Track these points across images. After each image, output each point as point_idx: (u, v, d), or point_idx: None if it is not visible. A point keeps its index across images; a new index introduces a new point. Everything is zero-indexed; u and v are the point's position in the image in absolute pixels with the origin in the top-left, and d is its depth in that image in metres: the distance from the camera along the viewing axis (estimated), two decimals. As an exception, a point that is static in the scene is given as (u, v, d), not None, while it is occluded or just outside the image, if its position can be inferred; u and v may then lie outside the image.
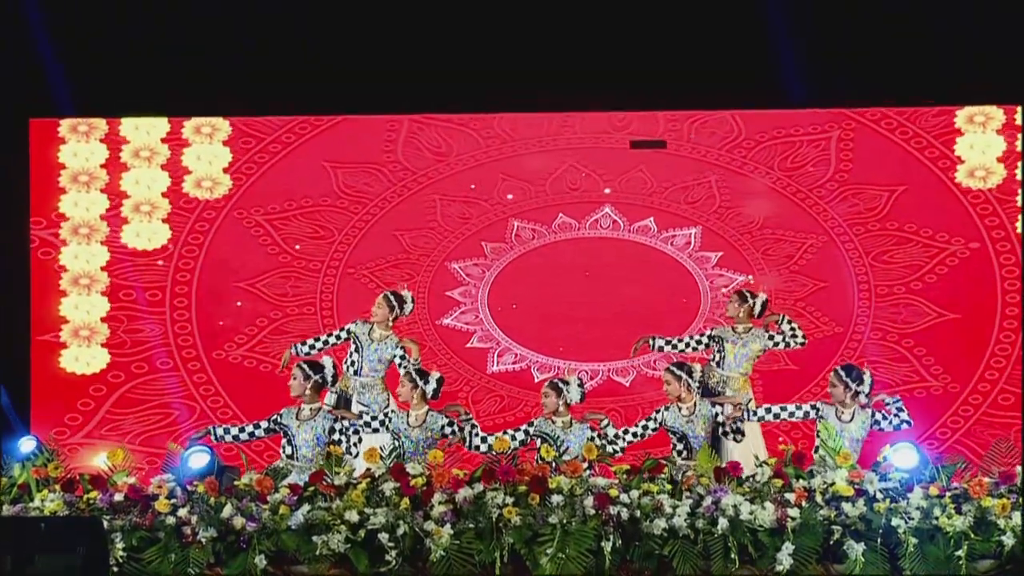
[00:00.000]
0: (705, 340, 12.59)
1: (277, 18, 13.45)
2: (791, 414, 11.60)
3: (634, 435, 11.55)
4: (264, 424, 11.43)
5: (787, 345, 12.55)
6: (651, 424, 11.60)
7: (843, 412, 11.45)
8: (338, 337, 12.42)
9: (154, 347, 13.92)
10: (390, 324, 12.36)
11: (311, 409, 11.44)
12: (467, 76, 13.54)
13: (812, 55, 13.45)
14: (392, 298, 12.39)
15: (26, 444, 11.83)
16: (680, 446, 11.58)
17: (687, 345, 12.64)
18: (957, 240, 13.96)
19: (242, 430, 11.47)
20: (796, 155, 14.10)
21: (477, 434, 11.34)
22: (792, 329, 12.50)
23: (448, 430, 11.43)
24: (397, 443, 11.35)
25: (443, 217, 14.11)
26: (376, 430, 11.43)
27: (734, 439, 11.80)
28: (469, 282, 14.04)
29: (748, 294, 12.60)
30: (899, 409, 11.51)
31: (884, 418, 11.50)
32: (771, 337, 12.51)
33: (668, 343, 12.61)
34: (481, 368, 13.89)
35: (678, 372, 11.61)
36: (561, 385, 11.50)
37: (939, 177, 13.94)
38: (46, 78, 13.54)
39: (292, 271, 13.97)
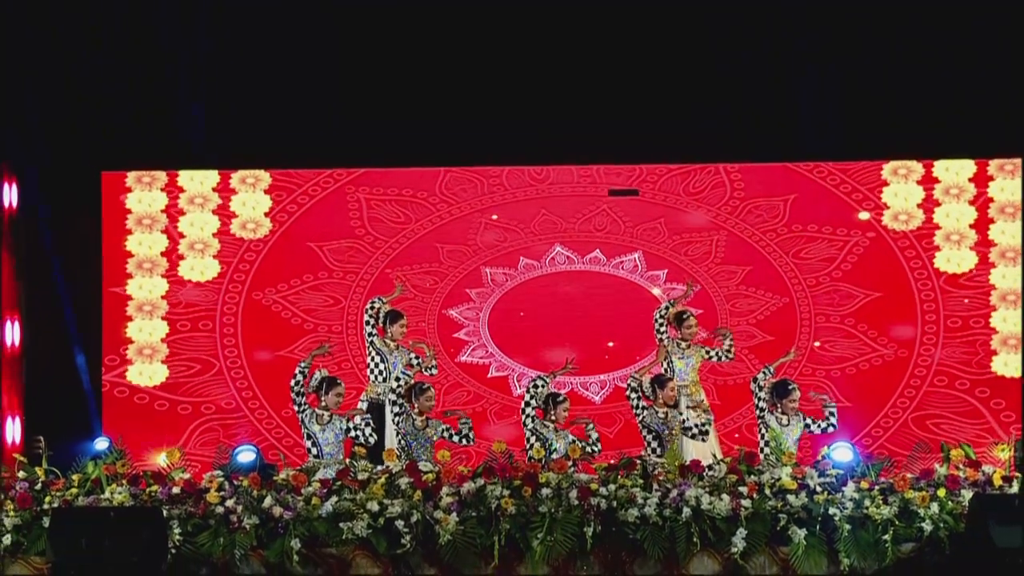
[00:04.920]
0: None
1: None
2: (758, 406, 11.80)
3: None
4: (305, 432, 11.53)
5: (719, 359, 12.60)
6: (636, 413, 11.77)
7: (782, 418, 11.55)
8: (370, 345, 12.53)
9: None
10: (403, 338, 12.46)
11: (328, 415, 11.49)
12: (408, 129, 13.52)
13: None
14: (404, 317, 12.52)
15: (99, 444, 11.88)
16: (655, 444, 11.63)
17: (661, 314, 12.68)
18: (855, 232, 13.95)
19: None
20: (695, 181, 14.07)
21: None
22: (730, 346, 12.60)
23: (447, 434, 11.56)
24: (405, 442, 11.52)
25: (427, 273, 14.04)
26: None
27: (701, 439, 11.83)
28: (468, 324, 14.02)
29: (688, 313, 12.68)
30: (830, 414, 11.75)
31: (814, 422, 11.60)
32: (707, 351, 12.54)
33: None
34: (508, 392, 13.82)
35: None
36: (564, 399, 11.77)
37: (821, 185, 13.95)
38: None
39: (319, 336, 13.85)
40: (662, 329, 12.57)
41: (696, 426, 11.83)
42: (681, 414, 11.89)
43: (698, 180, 14.05)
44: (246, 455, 11.18)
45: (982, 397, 13.62)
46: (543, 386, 11.76)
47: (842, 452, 10.99)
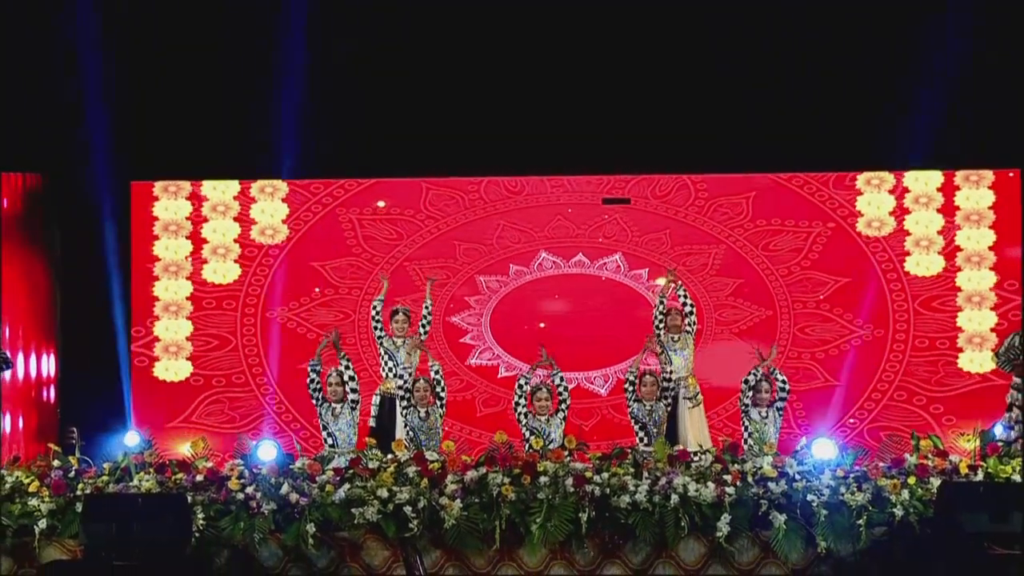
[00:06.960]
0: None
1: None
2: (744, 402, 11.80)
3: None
4: (322, 424, 11.63)
5: (691, 306, 12.57)
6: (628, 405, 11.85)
7: (761, 411, 11.58)
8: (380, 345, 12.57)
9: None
10: (406, 331, 12.49)
11: (340, 406, 11.52)
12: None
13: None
14: (403, 313, 12.55)
15: (131, 437, 11.91)
16: (642, 433, 11.66)
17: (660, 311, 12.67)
18: (816, 223, 14.00)
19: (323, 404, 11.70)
20: (659, 185, 14.10)
21: None
22: (677, 285, 12.59)
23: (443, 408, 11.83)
24: (412, 434, 11.60)
25: (441, 268, 14.04)
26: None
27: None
28: (472, 329, 14.03)
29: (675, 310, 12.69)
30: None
31: (777, 404, 11.69)
32: (689, 333, 12.54)
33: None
34: None
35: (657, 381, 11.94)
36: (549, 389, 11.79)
37: (777, 181, 13.96)
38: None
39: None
40: (660, 327, 12.58)
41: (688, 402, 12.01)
42: (668, 404, 11.97)
43: (663, 184, 14.08)
44: (268, 451, 11.16)
45: (936, 413, 13.69)
46: (526, 384, 11.82)
47: (825, 448, 10.93)
